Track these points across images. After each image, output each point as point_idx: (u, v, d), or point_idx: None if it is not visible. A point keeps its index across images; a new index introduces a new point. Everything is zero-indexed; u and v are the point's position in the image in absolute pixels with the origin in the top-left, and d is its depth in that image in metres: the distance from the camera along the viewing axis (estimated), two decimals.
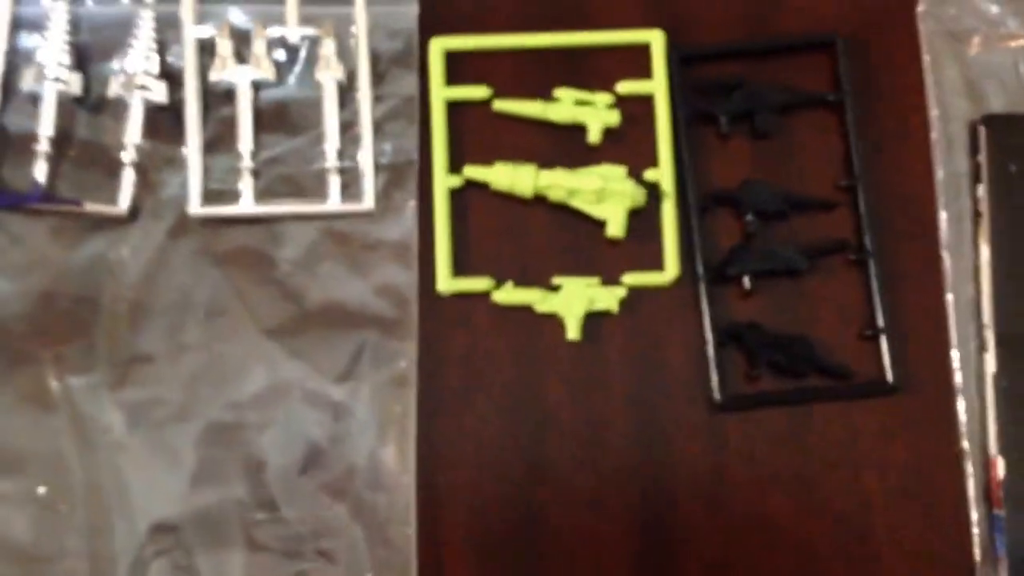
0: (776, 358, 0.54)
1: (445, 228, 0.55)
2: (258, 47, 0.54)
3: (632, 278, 0.55)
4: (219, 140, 0.55)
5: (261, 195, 0.55)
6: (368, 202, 0.55)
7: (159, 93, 0.54)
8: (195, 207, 0.54)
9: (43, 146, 0.53)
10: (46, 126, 0.53)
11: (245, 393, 0.53)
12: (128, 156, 0.54)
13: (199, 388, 0.53)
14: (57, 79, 0.53)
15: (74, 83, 0.54)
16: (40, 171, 0.53)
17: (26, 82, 0.53)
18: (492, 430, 0.54)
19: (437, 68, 0.57)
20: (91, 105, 0.55)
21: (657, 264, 0.55)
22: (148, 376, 0.53)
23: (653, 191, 0.56)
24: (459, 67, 0.57)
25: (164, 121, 0.55)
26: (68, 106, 0.54)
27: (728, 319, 0.55)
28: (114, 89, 0.54)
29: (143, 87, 0.54)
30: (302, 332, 0.54)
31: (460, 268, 0.55)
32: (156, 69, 0.54)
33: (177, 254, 0.54)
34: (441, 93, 0.56)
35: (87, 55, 0.55)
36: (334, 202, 0.55)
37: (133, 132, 0.54)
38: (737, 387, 0.55)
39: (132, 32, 0.55)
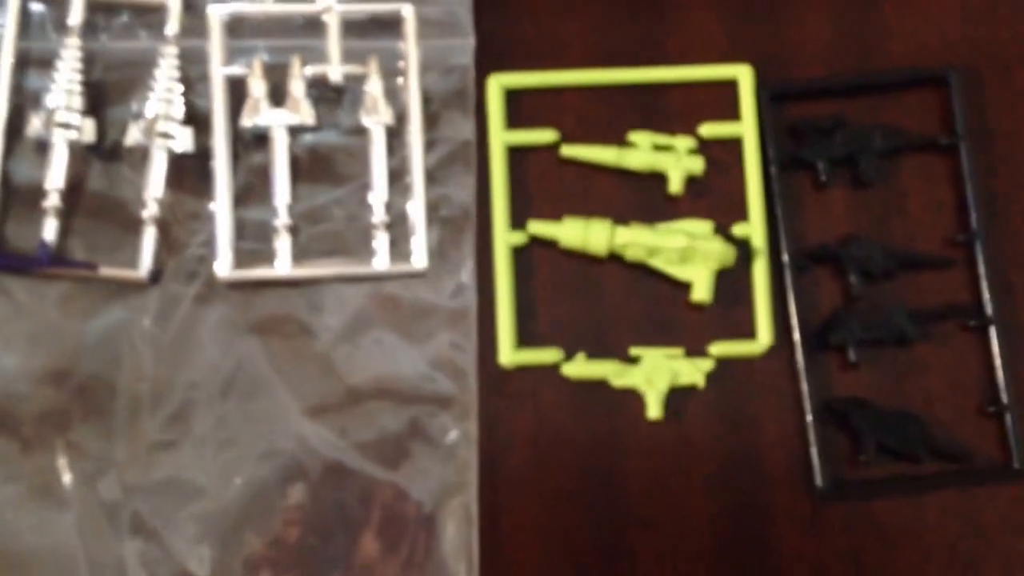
0: (886, 440, 0.48)
1: (507, 292, 0.49)
2: (296, 88, 0.49)
3: (720, 348, 0.49)
4: (251, 192, 0.49)
5: (299, 255, 0.49)
6: (420, 262, 0.49)
7: (184, 142, 0.48)
8: (225, 270, 0.48)
9: (52, 201, 0.47)
10: (56, 178, 0.47)
11: (284, 484, 0.48)
12: (149, 212, 0.48)
13: (231, 479, 0.47)
14: (68, 126, 0.47)
15: (87, 130, 0.48)
16: (49, 229, 0.47)
17: (33, 129, 0.47)
18: (562, 520, 0.48)
19: (496, 109, 0.51)
20: (106, 152, 0.49)
21: (748, 331, 0.50)
22: (172, 465, 0.47)
23: (742, 248, 0.50)
24: (521, 108, 0.51)
25: (189, 169, 0.49)
26: (80, 153, 0.49)
27: (829, 393, 0.49)
28: (133, 137, 0.48)
29: (165, 135, 0.48)
30: (348, 412, 0.48)
31: (525, 337, 0.49)
32: (180, 114, 0.48)
33: (205, 324, 0.48)
34: (501, 137, 0.51)
35: (101, 96, 0.49)
36: (382, 262, 0.49)
37: (155, 185, 0.48)
38: (841, 472, 0.49)
39: (152, 71, 0.49)
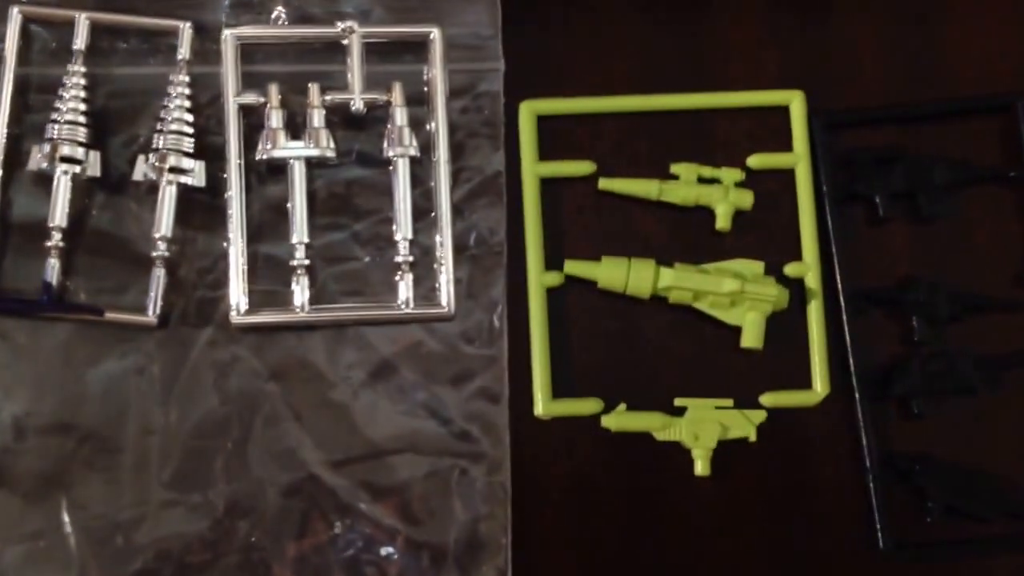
0: (954, 500, 0.46)
1: (542, 337, 0.48)
2: (315, 117, 0.47)
3: (773, 398, 0.48)
4: (265, 228, 0.48)
5: (317, 296, 0.47)
6: (447, 305, 0.47)
7: (195, 176, 0.47)
8: (239, 314, 0.46)
9: (54, 240, 0.46)
10: (58, 216, 0.46)
11: (301, 543, 0.46)
12: (158, 252, 0.46)
13: (248, 538, 0.46)
14: (71, 159, 0.46)
15: (92, 164, 0.46)
16: (52, 271, 0.46)
17: (34, 162, 0.46)
18: None
19: (529, 138, 0.49)
20: (112, 186, 0.48)
21: (802, 380, 0.48)
22: (184, 523, 0.46)
23: (796, 289, 0.48)
24: (555, 137, 0.49)
25: (198, 204, 0.48)
26: (84, 187, 0.47)
27: (891, 447, 0.48)
28: (141, 171, 0.46)
29: (176, 169, 0.46)
30: (370, 466, 0.46)
31: (561, 385, 0.48)
32: (191, 147, 0.47)
33: (217, 371, 0.47)
34: (534, 169, 0.49)
35: (106, 126, 0.48)
36: (406, 304, 0.47)
37: (164, 223, 0.46)
38: (905, 531, 0.47)
39: (161, 99, 0.47)
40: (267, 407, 0.47)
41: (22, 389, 0.46)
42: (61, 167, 0.46)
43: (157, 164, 0.46)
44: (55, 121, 0.46)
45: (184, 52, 0.47)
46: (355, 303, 0.47)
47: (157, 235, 0.46)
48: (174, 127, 0.47)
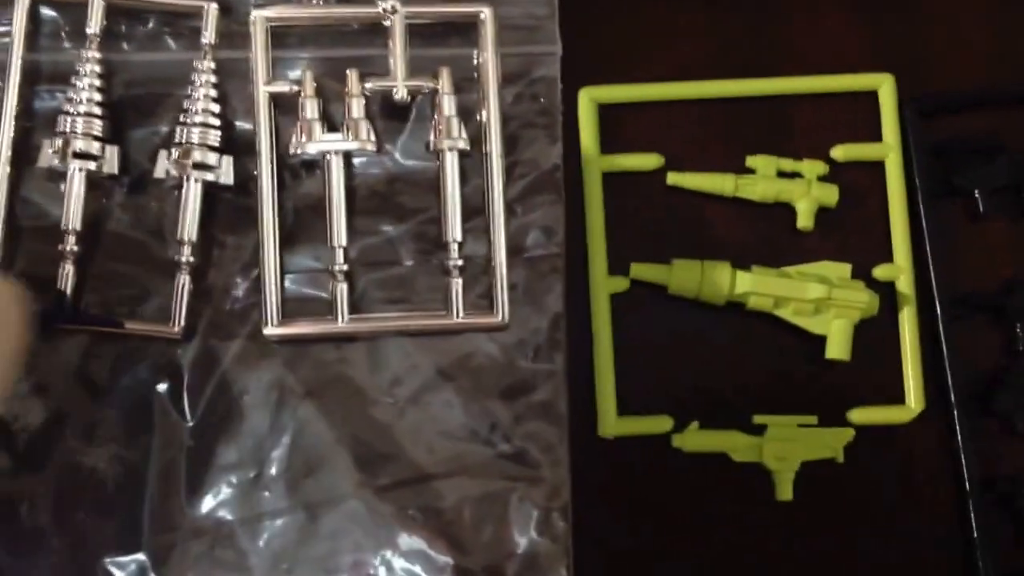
0: None
1: (608, 349, 0.44)
2: (355, 107, 0.43)
3: (861, 414, 0.45)
4: (300, 230, 0.44)
5: (357, 304, 0.44)
6: (500, 313, 0.44)
7: (223, 172, 0.43)
8: (272, 325, 0.43)
9: (69, 245, 0.42)
10: (72, 218, 0.42)
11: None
12: (183, 257, 0.43)
13: (283, 568, 0.42)
14: (87, 155, 0.42)
15: (109, 160, 0.43)
16: (66, 278, 0.42)
17: (45, 159, 0.43)
18: None
19: (589, 129, 0.46)
20: (130, 184, 0.44)
21: (894, 394, 0.45)
22: (214, 554, 0.42)
23: (886, 294, 0.45)
24: (618, 127, 0.46)
25: (226, 203, 0.44)
26: (101, 184, 0.44)
27: (993, 469, 0.44)
28: (163, 168, 0.43)
29: (202, 165, 0.43)
30: (419, 490, 0.43)
31: (628, 403, 0.44)
32: (218, 140, 0.43)
33: (248, 387, 0.43)
34: (596, 163, 0.45)
35: (124, 118, 0.44)
36: (455, 313, 0.44)
37: (189, 225, 0.43)
38: (1008, 561, 0.44)
39: (184, 88, 0.44)
40: (303, 427, 0.43)
41: (34, 414, 0.42)
42: (75, 164, 0.42)
43: (181, 160, 0.43)
44: (68, 113, 0.43)
45: (209, 36, 0.44)
46: (399, 312, 0.44)
47: (181, 238, 0.43)
48: (199, 119, 0.43)
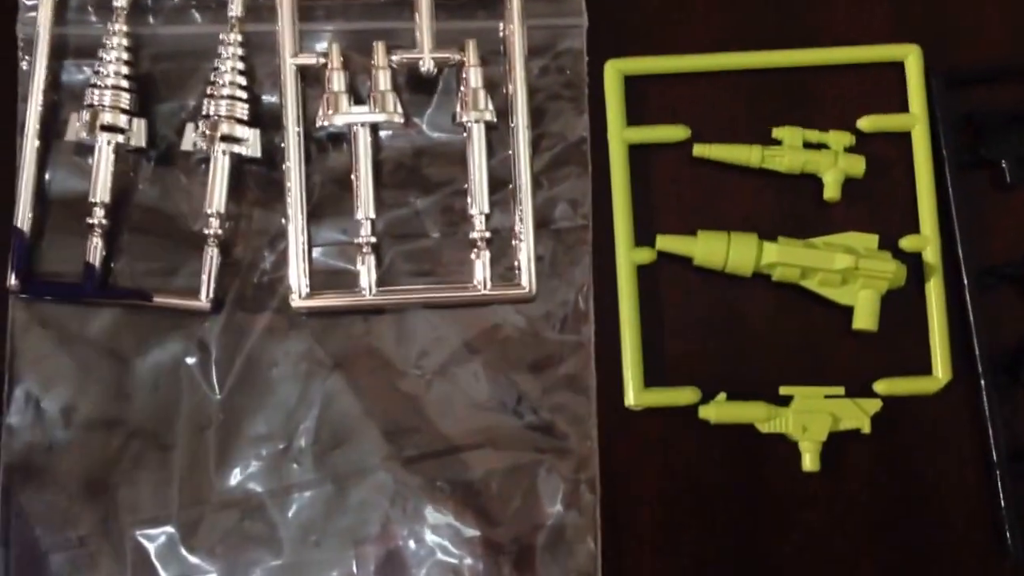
0: None
1: (633, 320, 0.44)
2: (382, 80, 0.44)
3: (888, 385, 0.44)
4: (326, 204, 0.44)
5: (384, 277, 0.44)
6: (527, 285, 0.44)
7: (251, 145, 0.43)
8: (300, 298, 0.43)
9: (97, 218, 0.42)
10: (100, 190, 0.43)
11: (373, 545, 0.43)
12: (211, 229, 0.43)
13: (311, 540, 0.43)
14: (115, 128, 0.42)
15: (136, 132, 0.43)
16: (94, 251, 0.42)
17: (73, 132, 0.43)
18: None
19: (615, 101, 0.45)
20: (157, 157, 0.44)
21: (921, 364, 0.45)
22: (243, 526, 0.43)
23: (913, 265, 0.45)
24: (644, 99, 0.46)
25: (252, 177, 0.44)
26: (128, 158, 0.44)
27: (1020, 439, 0.44)
28: (191, 140, 0.43)
29: (230, 138, 0.43)
30: (445, 462, 0.43)
31: (653, 373, 0.44)
32: (245, 113, 0.43)
33: (277, 359, 0.43)
34: (622, 135, 0.45)
35: (151, 92, 0.45)
36: (481, 286, 0.44)
37: (217, 197, 0.43)
38: None
39: (210, 62, 0.44)
40: (331, 399, 0.43)
41: (64, 381, 0.43)
42: (103, 136, 0.42)
43: (208, 132, 0.43)
44: (96, 86, 0.43)
45: (236, 8, 0.44)
46: (426, 284, 0.44)
47: (209, 211, 0.43)
48: (226, 91, 0.43)
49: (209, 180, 0.43)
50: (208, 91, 0.43)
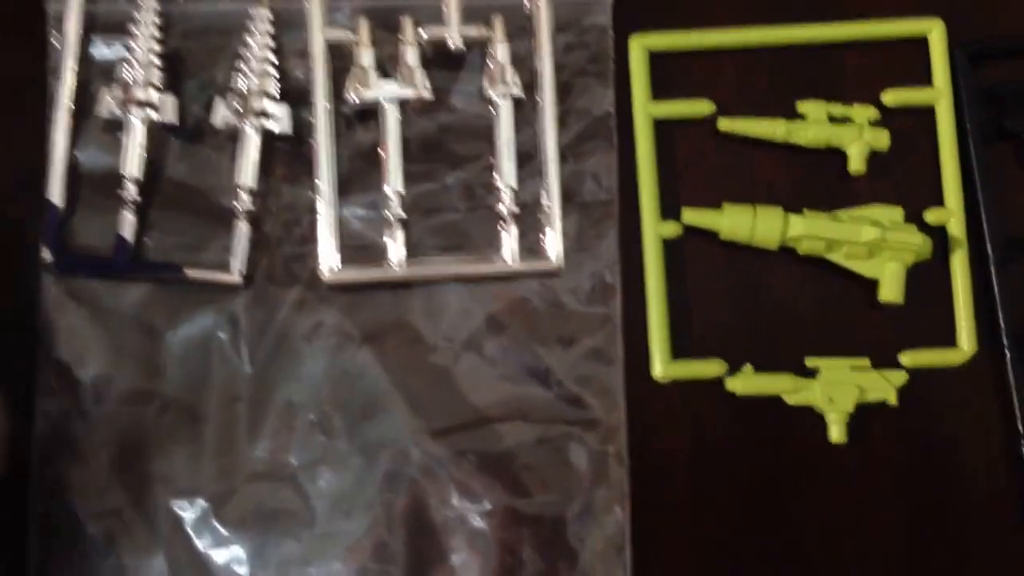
0: None
1: (660, 293, 0.44)
2: (410, 55, 0.44)
3: (913, 357, 0.44)
4: (354, 179, 0.45)
5: (412, 251, 0.44)
6: (554, 259, 0.44)
7: (281, 121, 0.44)
8: (330, 272, 0.44)
9: (130, 193, 0.43)
10: (131, 165, 0.43)
11: (403, 518, 0.43)
12: (242, 204, 0.43)
13: (342, 512, 0.43)
14: (146, 104, 0.43)
15: (168, 108, 0.43)
16: (126, 226, 0.43)
17: (105, 107, 0.43)
18: (728, 558, 0.44)
19: (640, 76, 0.46)
20: (188, 133, 0.45)
21: (945, 337, 0.45)
22: (274, 499, 0.43)
23: (937, 237, 0.45)
24: (669, 74, 0.46)
25: (280, 152, 0.45)
26: (157, 134, 0.44)
27: None
28: (221, 116, 0.43)
29: (261, 113, 0.43)
30: (474, 434, 0.44)
31: (680, 345, 0.45)
32: (276, 89, 0.44)
33: (306, 333, 0.44)
34: (647, 110, 0.46)
35: (179, 68, 0.45)
36: (508, 259, 0.44)
37: (248, 172, 0.43)
38: None
39: (237, 38, 0.44)
40: (361, 372, 0.44)
41: (95, 354, 0.43)
42: (135, 112, 0.43)
43: (239, 108, 0.43)
44: (127, 63, 0.43)
45: None
46: (454, 258, 0.45)
47: (240, 185, 0.43)
48: (256, 66, 0.43)
49: (239, 156, 0.43)
50: (238, 66, 0.44)
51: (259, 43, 0.44)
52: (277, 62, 0.44)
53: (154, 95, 0.43)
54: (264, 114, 0.43)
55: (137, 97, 0.43)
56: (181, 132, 0.45)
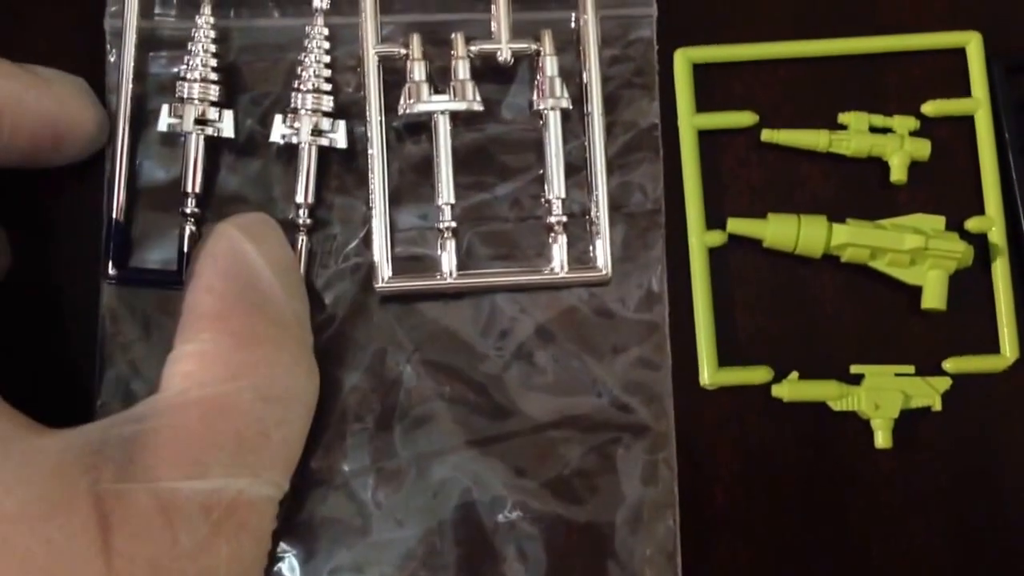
0: None
1: (706, 301, 0.45)
2: (461, 69, 0.45)
3: (957, 363, 0.45)
4: (405, 191, 0.45)
5: (462, 260, 0.45)
6: (603, 267, 0.45)
7: (338, 138, 0.44)
8: (383, 281, 0.44)
9: (190, 207, 0.44)
10: (191, 181, 0.44)
11: (454, 526, 0.44)
12: (302, 219, 0.44)
13: (393, 520, 0.44)
14: (205, 121, 0.44)
15: (226, 124, 0.44)
16: (187, 240, 0.44)
17: (163, 123, 0.44)
18: (776, 562, 0.44)
19: (685, 88, 0.47)
20: (241, 147, 0.45)
21: (988, 343, 0.45)
22: (328, 505, 0.44)
23: (979, 245, 0.46)
24: (713, 86, 0.47)
25: (334, 165, 0.46)
26: (213, 147, 0.45)
27: None
28: (279, 133, 0.44)
29: (317, 131, 0.44)
30: (525, 442, 0.44)
31: (727, 354, 0.45)
32: (331, 105, 0.44)
33: (358, 342, 0.45)
34: (692, 121, 0.46)
35: (236, 82, 0.46)
36: (558, 269, 0.45)
37: (309, 189, 0.44)
38: None
39: (296, 53, 0.45)
40: (412, 380, 0.45)
41: (152, 367, 0.44)
42: (195, 128, 0.44)
43: (297, 126, 0.44)
44: (185, 79, 0.44)
45: (323, 2, 0.45)
46: (504, 267, 0.45)
47: (300, 202, 0.44)
48: (313, 84, 0.44)
49: (298, 172, 0.44)
50: (295, 84, 0.44)
51: (315, 60, 0.44)
52: (331, 76, 0.45)
53: (213, 111, 0.44)
54: (321, 132, 0.44)
55: (197, 115, 0.43)
56: (235, 145, 0.45)
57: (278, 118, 0.44)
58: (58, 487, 0.34)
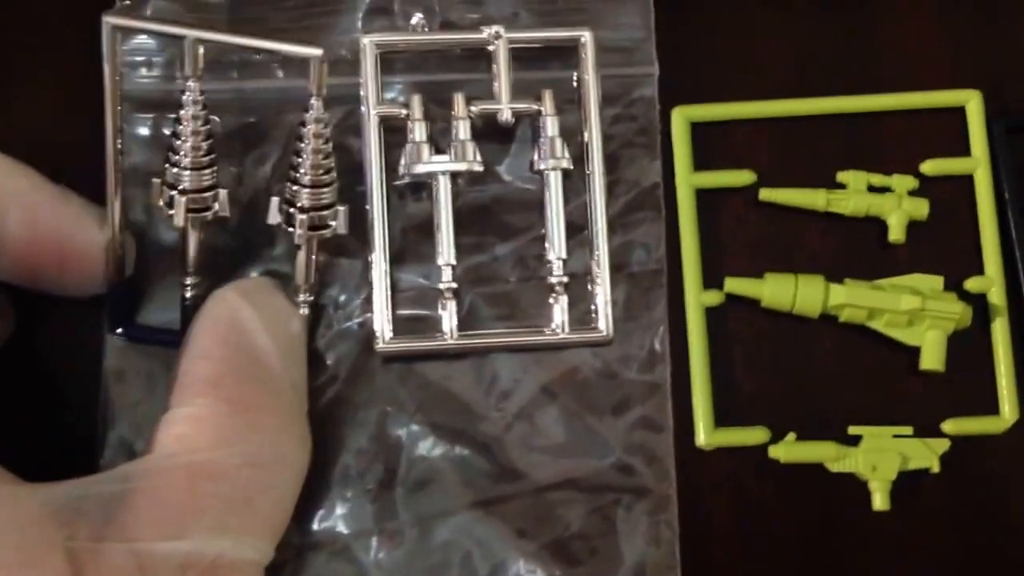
0: None
1: (703, 361, 0.45)
2: (462, 129, 0.45)
3: (956, 425, 0.45)
4: (406, 251, 0.46)
5: (463, 320, 0.45)
6: (604, 328, 0.45)
7: (339, 224, 0.43)
8: (384, 342, 0.44)
9: (191, 281, 0.43)
10: (192, 263, 0.43)
11: None
12: (302, 297, 0.43)
13: None
14: (200, 210, 0.42)
15: (222, 204, 0.42)
16: (189, 305, 0.43)
17: (157, 196, 0.42)
18: None
19: (682, 147, 0.47)
20: (243, 207, 0.45)
21: (988, 404, 0.46)
22: (329, 568, 0.44)
23: (978, 306, 0.46)
24: (711, 145, 0.47)
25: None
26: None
27: None
28: (275, 217, 0.42)
29: (317, 227, 0.42)
30: (526, 504, 0.44)
31: (724, 414, 0.45)
32: (332, 196, 0.42)
33: (358, 403, 0.45)
34: (689, 180, 0.47)
35: (231, 145, 0.45)
36: (558, 329, 0.45)
37: (309, 275, 0.43)
38: None
39: (291, 113, 0.45)
40: (413, 442, 0.45)
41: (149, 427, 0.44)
42: (188, 217, 0.41)
43: (298, 228, 0.42)
44: (175, 165, 0.41)
45: (317, 88, 0.40)
46: (506, 328, 0.45)
47: (300, 285, 0.43)
48: (309, 178, 0.41)
49: (298, 262, 0.43)
50: (291, 169, 0.42)
51: (313, 148, 0.41)
52: (331, 149, 0.42)
53: (208, 198, 0.42)
54: (320, 226, 0.42)
55: (190, 206, 0.41)
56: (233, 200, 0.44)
57: (274, 201, 0.42)
58: (33, 539, 0.34)
